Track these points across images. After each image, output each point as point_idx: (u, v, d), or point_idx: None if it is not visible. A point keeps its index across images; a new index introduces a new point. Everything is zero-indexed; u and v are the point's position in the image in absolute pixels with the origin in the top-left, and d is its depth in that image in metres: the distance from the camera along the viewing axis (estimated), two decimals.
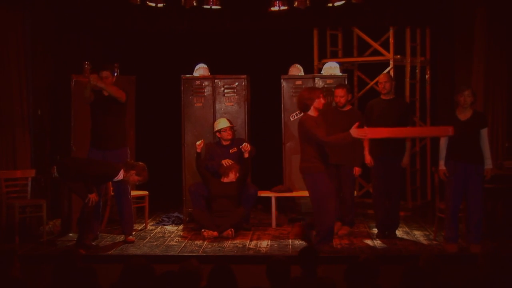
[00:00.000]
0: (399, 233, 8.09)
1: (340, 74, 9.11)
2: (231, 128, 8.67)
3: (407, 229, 8.42)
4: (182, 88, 9.09)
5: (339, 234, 8.05)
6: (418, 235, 8.06)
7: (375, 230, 8.16)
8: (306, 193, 8.90)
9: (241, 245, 7.62)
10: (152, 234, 8.32)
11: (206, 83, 9.12)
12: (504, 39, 8.52)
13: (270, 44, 10.27)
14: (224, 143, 8.67)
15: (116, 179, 7.55)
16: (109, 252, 7.37)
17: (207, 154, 8.65)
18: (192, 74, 9.23)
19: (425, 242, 7.72)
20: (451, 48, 9.03)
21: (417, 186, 10.24)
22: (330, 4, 8.38)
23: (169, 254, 7.21)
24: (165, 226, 8.82)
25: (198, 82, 9.13)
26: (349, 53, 10.51)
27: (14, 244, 7.61)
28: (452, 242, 7.18)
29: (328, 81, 8.98)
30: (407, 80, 10.05)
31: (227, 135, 8.62)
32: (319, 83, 9.00)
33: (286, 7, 8.40)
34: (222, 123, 8.69)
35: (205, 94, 9.11)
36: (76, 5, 9.05)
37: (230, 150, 8.64)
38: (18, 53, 8.51)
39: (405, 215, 9.28)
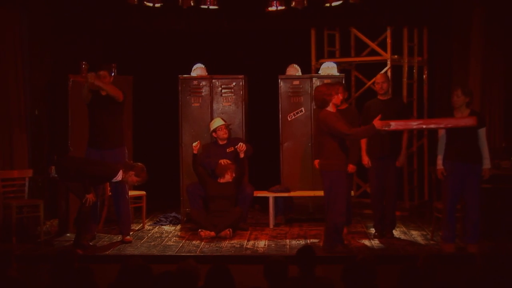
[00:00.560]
0: (396, 233, 8.10)
1: (338, 74, 9.12)
2: (226, 126, 8.67)
3: (404, 229, 8.42)
4: (180, 88, 9.09)
5: None
6: (416, 235, 8.06)
7: (372, 230, 8.17)
8: (303, 193, 8.95)
9: (238, 245, 7.62)
10: (149, 234, 8.31)
11: (203, 83, 9.12)
12: (501, 39, 8.53)
13: (267, 44, 10.28)
14: (221, 142, 8.67)
15: (114, 179, 7.54)
16: (107, 252, 7.36)
17: (203, 153, 8.64)
18: (189, 74, 9.23)
19: (422, 242, 7.72)
20: (449, 48, 9.04)
21: (415, 186, 10.25)
22: (328, 4, 8.37)
23: (167, 254, 7.21)
24: (162, 226, 8.82)
25: (195, 82, 9.13)
26: (346, 53, 10.51)
27: (11, 244, 7.61)
28: (449, 242, 7.18)
29: (326, 81, 8.96)
30: (405, 80, 10.07)
31: (223, 134, 8.62)
32: (316, 83, 8.99)
33: (283, 7, 8.39)
34: (216, 122, 8.70)
35: (203, 94, 9.11)
36: (73, 5, 9.04)
37: (227, 150, 8.63)
38: (15, 53, 8.50)
39: (403, 215, 9.29)
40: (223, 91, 9.11)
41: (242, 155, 8.45)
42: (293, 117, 9.03)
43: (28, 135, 8.61)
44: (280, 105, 9.07)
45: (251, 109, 9.45)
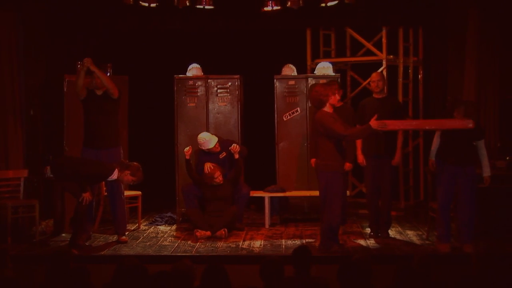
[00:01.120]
0: (392, 233, 8.11)
1: (333, 74, 9.12)
2: (218, 141, 8.55)
3: (400, 228, 8.43)
4: (175, 88, 9.08)
5: None
6: (411, 235, 8.08)
7: (368, 230, 8.18)
8: (299, 193, 8.95)
9: (234, 245, 7.63)
10: (145, 234, 8.31)
11: (199, 83, 9.12)
12: (496, 39, 8.56)
13: (263, 44, 10.28)
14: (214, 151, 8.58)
15: (110, 178, 7.53)
16: (102, 252, 7.36)
17: (196, 160, 8.56)
18: (185, 74, 9.22)
19: (417, 242, 7.73)
20: (444, 48, 9.05)
21: (410, 186, 10.26)
22: (323, 4, 8.37)
23: (162, 254, 7.21)
24: (158, 226, 8.82)
25: (191, 82, 9.13)
26: (342, 53, 10.52)
27: (7, 245, 7.59)
28: (444, 241, 7.19)
29: (321, 81, 8.95)
30: (400, 80, 10.08)
31: (215, 149, 8.52)
32: (312, 83, 9.00)
33: (279, 7, 8.39)
34: (211, 143, 8.42)
35: (198, 94, 9.10)
36: (68, 5, 9.03)
37: (220, 156, 8.58)
38: (10, 53, 8.49)
39: (398, 215, 9.30)
40: (218, 91, 9.11)
41: (236, 156, 8.44)
42: (288, 117, 9.04)
43: (23, 135, 8.60)
44: (275, 105, 9.07)
45: (246, 109, 9.45)
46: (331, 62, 9.42)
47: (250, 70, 9.74)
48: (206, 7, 8.38)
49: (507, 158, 8.11)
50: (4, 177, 8.18)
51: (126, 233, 8.04)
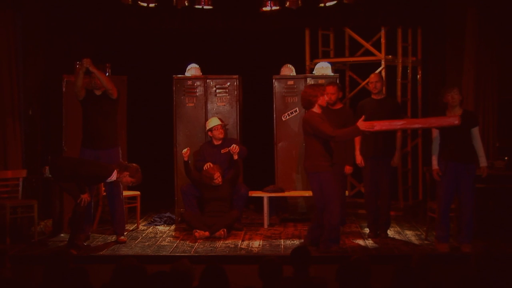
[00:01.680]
0: (390, 233, 8.11)
1: (332, 74, 9.12)
2: (223, 126, 8.66)
3: (398, 228, 8.44)
4: (174, 88, 9.08)
5: None
6: (410, 235, 8.08)
7: (366, 230, 8.18)
8: (298, 193, 8.95)
9: (233, 245, 7.62)
10: (144, 235, 8.31)
11: (198, 83, 9.11)
12: (494, 39, 8.56)
13: (262, 44, 10.28)
14: (216, 142, 8.66)
15: (109, 179, 7.53)
16: (101, 253, 7.35)
17: (199, 155, 8.63)
18: (184, 74, 9.22)
19: (416, 242, 7.74)
20: (442, 48, 9.06)
21: (409, 186, 10.27)
22: (322, 4, 8.38)
23: (161, 254, 7.21)
24: (157, 226, 8.81)
25: (190, 82, 9.13)
26: (340, 53, 10.53)
27: (5, 245, 7.59)
28: (443, 241, 7.20)
29: (320, 81, 8.97)
30: (399, 80, 10.09)
31: (218, 134, 8.61)
32: (311, 83, 9.00)
33: (278, 7, 8.39)
34: (213, 121, 8.68)
35: (197, 94, 9.10)
36: (67, 5, 9.03)
37: (222, 150, 8.62)
38: (9, 53, 8.49)
39: (397, 215, 9.30)
40: (217, 91, 9.11)
41: (235, 157, 8.44)
42: (287, 117, 9.04)
43: (22, 135, 8.60)
44: (274, 105, 9.07)
45: (245, 109, 9.45)
46: (330, 62, 9.41)
47: (249, 70, 9.74)
48: (205, 7, 8.38)
49: (506, 158, 8.11)
50: (2, 177, 8.18)
51: (125, 233, 8.04)
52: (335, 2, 8.33)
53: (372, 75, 8.16)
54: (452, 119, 6.94)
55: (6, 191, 8.16)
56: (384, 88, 8.25)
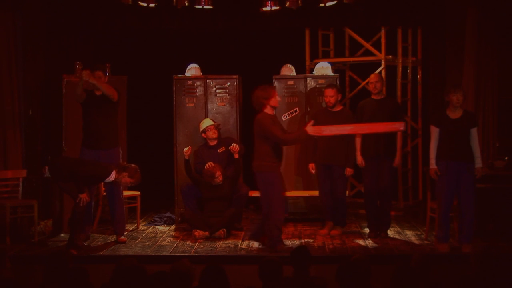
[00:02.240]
0: (390, 233, 8.11)
1: (332, 74, 9.13)
2: (216, 126, 8.64)
3: (398, 228, 8.44)
4: (174, 88, 9.08)
5: (331, 234, 8.08)
6: (410, 235, 8.08)
7: (366, 230, 8.18)
8: (297, 193, 8.96)
9: (233, 245, 7.62)
10: (144, 235, 8.31)
11: (198, 83, 9.11)
12: (494, 39, 8.56)
13: (262, 44, 10.28)
14: (211, 143, 8.61)
15: (108, 180, 7.52)
16: (101, 253, 7.36)
17: (196, 159, 8.60)
18: (184, 74, 9.22)
19: (416, 242, 7.74)
20: (443, 48, 9.05)
21: (409, 186, 10.27)
22: (322, 4, 8.38)
23: (161, 254, 7.21)
24: (157, 226, 8.81)
25: (190, 82, 9.12)
26: (340, 53, 10.53)
27: (5, 245, 7.58)
28: (443, 241, 7.20)
29: (320, 81, 9.00)
30: (399, 80, 10.09)
31: (212, 134, 8.57)
32: (311, 83, 9.02)
33: (278, 7, 8.39)
34: (206, 122, 8.65)
35: (197, 94, 9.10)
36: (67, 5, 9.02)
37: (218, 150, 8.60)
38: (9, 53, 8.48)
39: (397, 215, 9.30)
40: (217, 91, 9.10)
41: (236, 156, 8.44)
42: (287, 117, 9.03)
43: (22, 135, 8.59)
44: None
45: (245, 109, 9.44)
46: (330, 62, 9.42)
47: (249, 70, 9.73)
48: (205, 7, 8.38)
49: (506, 158, 8.11)
50: (3, 177, 8.18)
51: (125, 233, 8.04)
52: (335, 2, 8.33)
53: (372, 75, 8.16)
54: (398, 125, 7.15)
55: (6, 191, 8.15)
56: (384, 88, 8.25)
